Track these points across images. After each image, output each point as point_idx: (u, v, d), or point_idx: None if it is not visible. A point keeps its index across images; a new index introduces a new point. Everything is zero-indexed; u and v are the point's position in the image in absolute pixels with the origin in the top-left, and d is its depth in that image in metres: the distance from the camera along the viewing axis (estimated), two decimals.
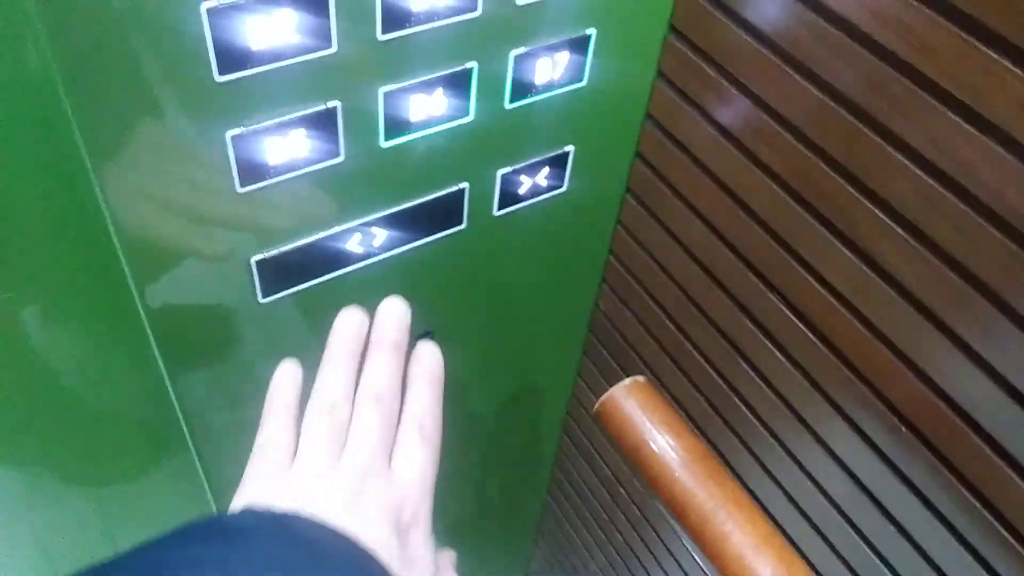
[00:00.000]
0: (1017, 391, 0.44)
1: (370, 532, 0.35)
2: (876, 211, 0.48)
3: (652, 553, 0.88)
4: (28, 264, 0.46)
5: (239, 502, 0.38)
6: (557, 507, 1.03)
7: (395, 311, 0.45)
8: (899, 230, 0.47)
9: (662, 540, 0.85)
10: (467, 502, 0.96)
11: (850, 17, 0.44)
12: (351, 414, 0.40)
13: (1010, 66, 0.38)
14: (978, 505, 0.49)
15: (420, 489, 0.40)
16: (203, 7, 0.37)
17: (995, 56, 0.39)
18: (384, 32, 0.42)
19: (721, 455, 0.69)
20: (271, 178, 0.45)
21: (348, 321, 0.44)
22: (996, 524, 0.48)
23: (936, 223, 0.45)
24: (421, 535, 0.39)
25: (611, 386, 0.74)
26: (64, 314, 0.52)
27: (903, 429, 0.52)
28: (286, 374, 0.43)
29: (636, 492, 0.85)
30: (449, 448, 0.85)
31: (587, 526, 0.99)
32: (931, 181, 0.44)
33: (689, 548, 0.80)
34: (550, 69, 0.51)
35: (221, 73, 0.39)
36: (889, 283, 0.49)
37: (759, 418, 0.63)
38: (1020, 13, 0.37)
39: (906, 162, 0.45)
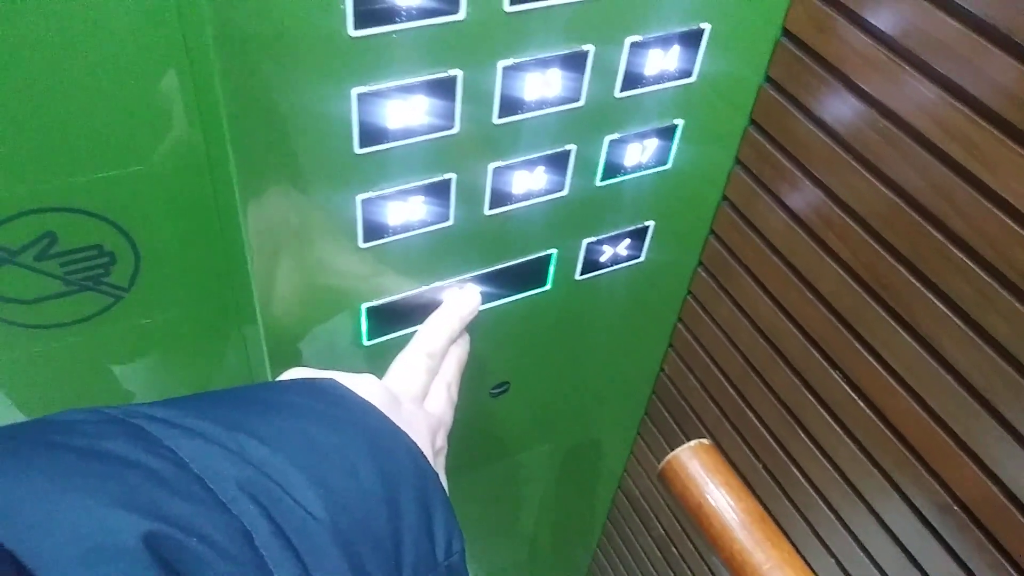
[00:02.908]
0: None
1: (417, 440, 0.43)
2: (937, 303, 0.51)
3: None
4: (171, 294, 0.53)
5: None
6: (606, 561, 1.06)
7: (469, 305, 0.57)
8: (958, 321, 0.51)
9: None
10: (519, 548, 1.00)
11: (921, 128, 0.48)
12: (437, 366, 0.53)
13: None
14: None
15: (445, 429, 0.51)
16: (353, 92, 0.43)
17: None
18: (499, 117, 0.48)
19: (775, 521, 0.71)
20: (389, 236, 0.51)
21: (468, 305, 0.57)
22: None
23: (992, 318, 0.48)
24: (443, 464, 0.49)
25: (671, 447, 0.77)
26: (187, 345, 0.58)
27: (955, 507, 0.55)
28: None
29: (688, 552, 0.88)
30: (507, 493, 0.89)
31: None
32: (989, 280, 0.48)
33: None
34: (639, 153, 0.56)
35: (361, 146, 0.45)
36: (947, 370, 0.52)
37: (815, 488, 0.66)
38: None
39: (967, 261, 0.49)
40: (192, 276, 0.54)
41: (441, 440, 0.49)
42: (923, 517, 0.57)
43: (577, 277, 0.64)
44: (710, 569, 0.85)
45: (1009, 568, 0.52)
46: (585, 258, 0.62)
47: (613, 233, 0.62)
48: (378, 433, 0.40)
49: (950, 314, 0.51)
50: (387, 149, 0.46)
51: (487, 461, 0.80)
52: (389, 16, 0.41)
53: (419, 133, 0.47)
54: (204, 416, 0.34)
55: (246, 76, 0.40)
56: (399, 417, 0.43)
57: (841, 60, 0.51)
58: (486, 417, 0.73)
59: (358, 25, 0.41)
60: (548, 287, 0.63)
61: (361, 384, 0.44)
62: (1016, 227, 0.45)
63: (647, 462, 0.89)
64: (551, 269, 0.61)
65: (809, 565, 0.68)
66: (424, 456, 0.41)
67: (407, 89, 0.44)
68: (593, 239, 0.61)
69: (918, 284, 0.52)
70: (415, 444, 0.41)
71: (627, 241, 0.63)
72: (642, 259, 0.66)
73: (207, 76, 0.41)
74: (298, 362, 0.57)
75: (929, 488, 0.56)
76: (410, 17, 0.41)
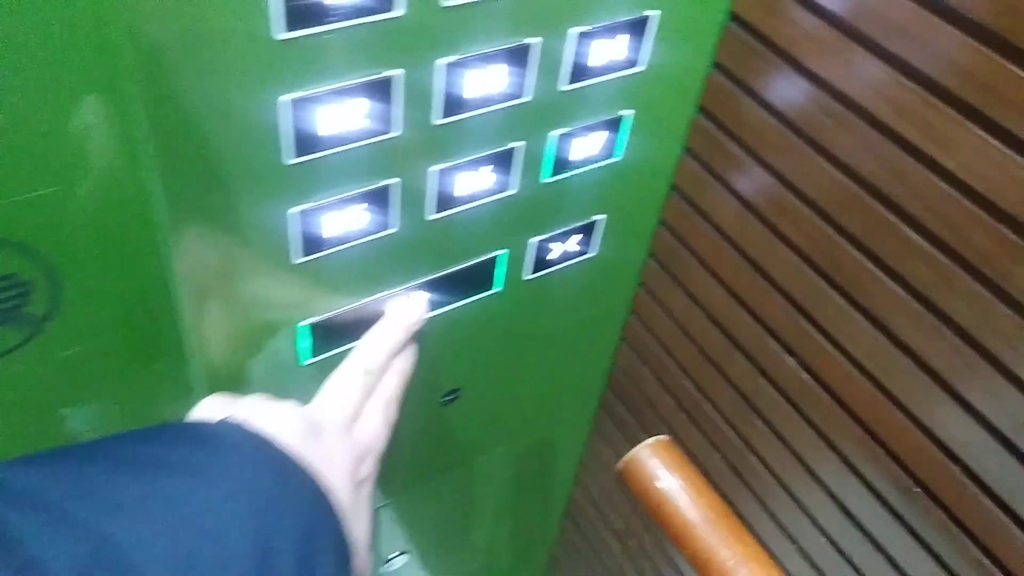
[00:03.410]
0: (1017, 448, 0.47)
1: (334, 473, 0.41)
2: (894, 286, 0.51)
3: None
4: (95, 321, 0.49)
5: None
6: (566, 557, 1.04)
7: (414, 315, 0.53)
8: (916, 305, 0.50)
9: None
10: (477, 553, 0.98)
11: (874, 110, 0.47)
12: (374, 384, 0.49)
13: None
14: (985, 560, 0.51)
15: (375, 455, 0.47)
16: (282, 99, 0.39)
17: (1010, 153, 0.42)
18: (442, 117, 0.45)
19: (735, 509, 0.71)
20: (327, 249, 0.48)
21: (412, 315, 0.53)
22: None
23: (952, 301, 0.48)
24: (367, 493, 0.46)
25: (626, 441, 0.76)
26: (117, 374, 0.54)
27: (916, 489, 0.55)
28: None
29: (648, 545, 0.87)
30: (463, 499, 0.87)
31: None
32: (947, 262, 0.47)
33: None
34: (588, 146, 0.54)
35: (292, 156, 0.42)
36: (906, 353, 0.52)
37: (775, 475, 0.66)
38: None
39: (923, 243, 0.48)
40: (118, 302, 0.50)
41: (367, 468, 0.46)
42: (884, 500, 0.57)
43: (527, 276, 0.61)
44: (670, 561, 0.84)
45: (972, 546, 0.52)
46: (535, 257, 0.60)
47: (563, 229, 0.60)
48: (265, 482, 0.37)
49: (908, 297, 0.50)
50: (321, 157, 0.43)
51: (441, 470, 0.78)
52: (320, 16, 0.37)
53: (356, 139, 0.43)
54: (57, 478, 0.32)
55: (168, 86, 0.37)
56: (315, 450, 0.40)
57: (791, 43, 0.50)
58: (437, 426, 0.70)
59: (287, 27, 0.37)
60: (498, 289, 0.60)
61: (272, 417, 0.41)
62: (974, 207, 0.45)
63: (603, 457, 0.87)
64: (500, 270, 0.59)
65: (775, 557, 0.68)
66: (325, 499, 0.38)
67: (341, 93, 0.41)
68: (543, 237, 0.59)
69: (874, 268, 0.52)
70: (318, 486, 0.38)
71: (577, 236, 0.61)
72: (593, 254, 0.64)
73: (128, 88, 0.37)
74: (235, 386, 0.53)
75: (890, 471, 0.56)
76: (342, 16, 0.38)
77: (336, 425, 0.45)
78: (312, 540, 0.36)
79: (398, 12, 0.39)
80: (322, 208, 0.45)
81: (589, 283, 0.67)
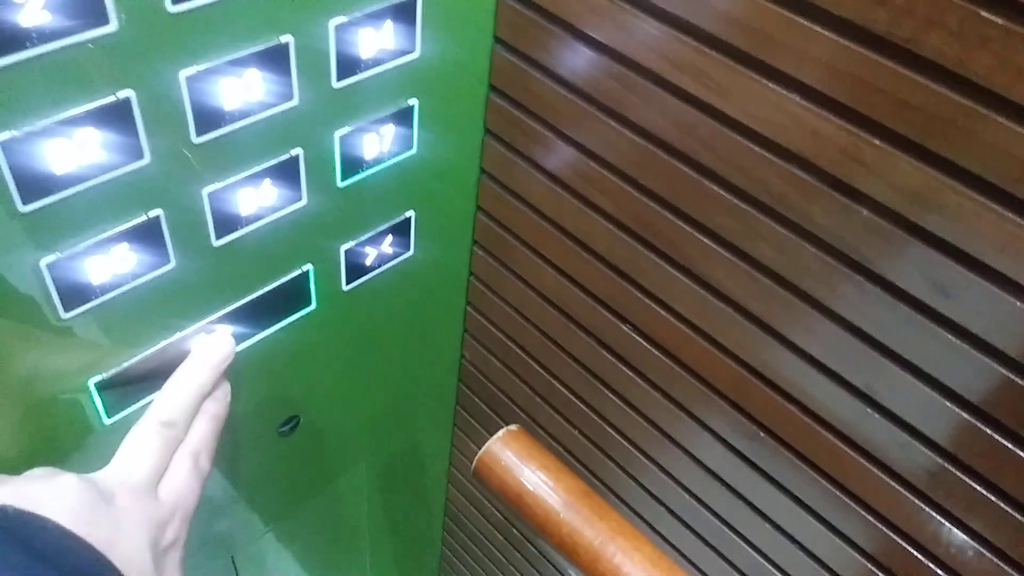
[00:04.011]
0: (843, 379, 0.48)
1: (127, 545, 0.37)
2: (704, 240, 0.51)
3: None
4: None
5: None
6: (455, 557, 1.02)
7: (218, 352, 0.48)
8: (727, 254, 0.50)
9: (561, 574, 0.86)
10: (363, 568, 0.94)
11: (653, 67, 0.47)
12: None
13: (800, 100, 0.42)
14: (834, 490, 0.52)
15: (183, 514, 0.43)
16: None
17: (785, 93, 0.42)
18: (198, 135, 0.41)
19: (605, 484, 0.70)
20: (97, 298, 0.43)
21: (217, 352, 0.48)
22: (865, 514, 0.52)
23: (757, 245, 0.48)
24: (177, 559, 0.42)
25: (488, 432, 0.74)
26: None
27: (762, 434, 0.55)
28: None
29: (529, 531, 0.86)
30: (334, 525, 0.83)
31: (486, 570, 0.99)
32: (747, 208, 0.47)
33: None
34: (378, 143, 0.51)
35: (25, 202, 0.37)
36: (727, 303, 0.52)
37: (632, 443, 0.66)
38: (799, 52, 0.40)
39: (723, 193, 0.48)
40: None
41: (174, 531, 0.42)
42: (735, 449, 0.58)
43: (346, 288, 0.58)
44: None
45: (822, 480, 0.53)
46: (348, 265, 0.57)
47: (372, 233, 0.56)
48: None
49: (719, 248, 0.50)
50: (62, 199, 0.38)
51: (299, 501, 0.73)
52: (12, 42, 0.33)
53: (99, 173, 0.38)
54: None
55: None
56: (102, 522, 0.36)
57: (564, 10, 0.49)
58: (282, 458, 0.66)
59: None
60: (314, 306, 0.56)
61: (43, 493, 0.36)
62: (760, 150, 0.45)
63: (469, 452, 0.85)
64: (312, 286, 0.55)
65: (645, 520, 0.68)
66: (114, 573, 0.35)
67: (68, 124, 0.36)
68: (351, 244, 0.55)
69: (683, 224, 0.51)
70: (104, 565, 0.34)
71: (390, 237, 0.58)
72: (412, 252, 0.61)
73: None
74: (30, 462, 0.47)
75: (735, 421, 0.56)
76: (42, 39, 0.33)
77: (132, 489, 0.40)
78: None
79: (112, 27, 0.35)
80: (80, 254, 0.40)
81: (417, 282, 0.64)
